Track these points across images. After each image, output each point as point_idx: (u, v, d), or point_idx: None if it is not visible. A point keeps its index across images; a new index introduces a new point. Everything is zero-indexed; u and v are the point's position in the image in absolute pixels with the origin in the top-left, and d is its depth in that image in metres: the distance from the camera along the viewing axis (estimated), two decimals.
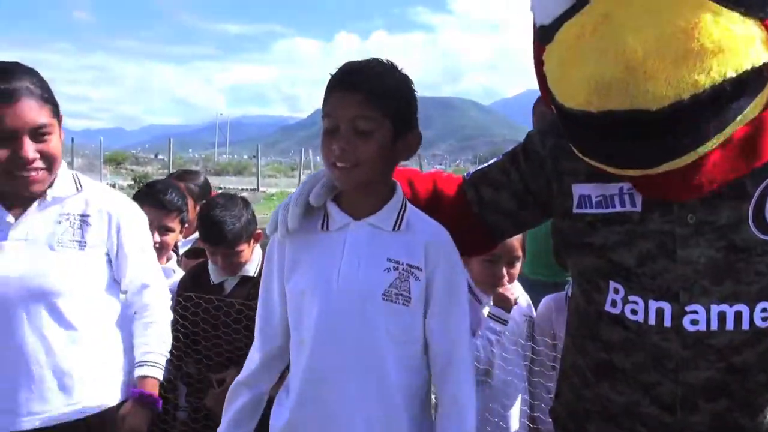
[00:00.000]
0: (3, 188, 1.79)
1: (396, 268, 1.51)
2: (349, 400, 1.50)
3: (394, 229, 1.54)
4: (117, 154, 39.34)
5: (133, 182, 21.89)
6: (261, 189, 24.09)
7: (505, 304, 2.27)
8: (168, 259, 2.75)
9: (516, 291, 2.37)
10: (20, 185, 1.76)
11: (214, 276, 2.57)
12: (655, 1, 1.13)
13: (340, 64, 1.52)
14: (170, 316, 2.05)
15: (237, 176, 33.31)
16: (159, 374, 1.93)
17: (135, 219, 2.00)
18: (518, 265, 2.34)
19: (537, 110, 3.03)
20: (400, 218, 1.55)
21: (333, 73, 1.51)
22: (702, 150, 1.17)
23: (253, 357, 1.65)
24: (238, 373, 1.67)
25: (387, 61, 1.53)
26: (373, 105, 1.44)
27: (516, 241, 2.25)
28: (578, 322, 1.50)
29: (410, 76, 1.55)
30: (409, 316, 1.52)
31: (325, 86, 1.52)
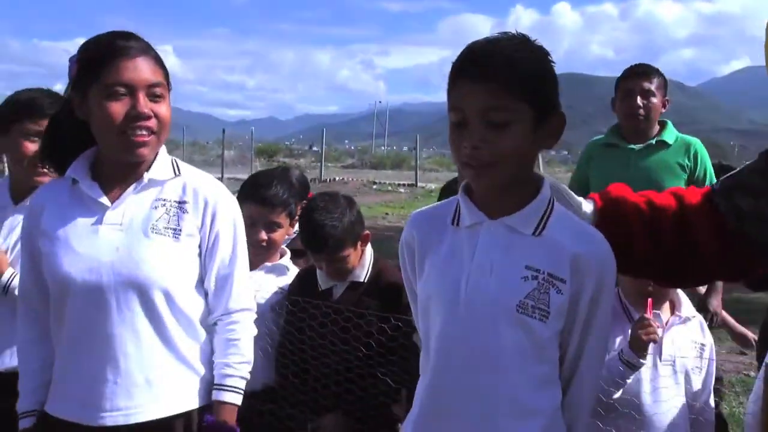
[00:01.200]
0: (105, 164, 1.92)
1: (535, 278, 1.47)
2: (472, 424, 1.48)
3: (534, 234, 1.49)
4: (269, 146, 41.76)
5: None
6: (420, 184, 24.36)
7: (639, 347, 2.11)
8: (281, 255, 2.81)
9: (684, 310, 2.22)
10: (129, 147, 1.86)
11: (322, 282, 2.60)
12: None
13: None
14: (254, 330, 2.07)
15: (394, 170, 33.99)
16: (238, 400, 1.98)
17: (231, 211, 2.03)
18: None
19: None
20: (543, 221, 1.50)
21: (456, 58, 1.47)
22: None
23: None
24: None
25: (517, 34, 1.48)
26: (507, 91, 1.41)
27: None
28: None
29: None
30: (545, 334, 1.48)
31: (449, 72, 1.48)
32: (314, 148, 41.58)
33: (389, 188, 23.42)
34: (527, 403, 1.49)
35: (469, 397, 1.48)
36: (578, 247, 1.49)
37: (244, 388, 2.00)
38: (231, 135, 37.26)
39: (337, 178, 25.52)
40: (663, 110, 3.78)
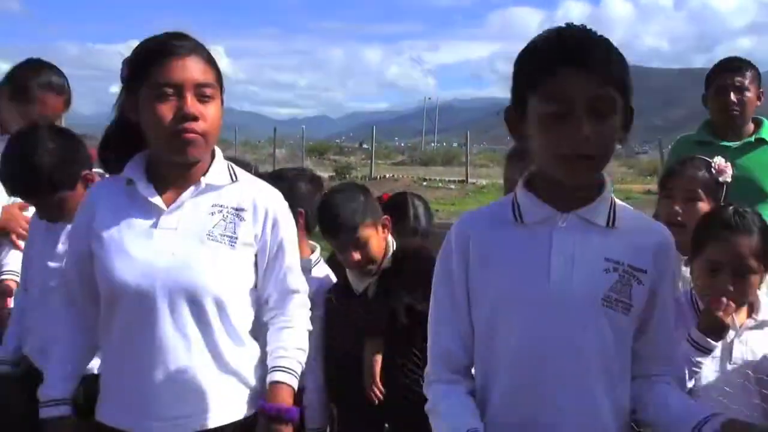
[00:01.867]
0: (159, 165, 1.90)
1: (616, 269, 1.46)
2: (561, 416, 1.47)
3: (607, 225, 1.49)
4: (320, 144, 42.07)
5: (334, 173, 23.19)
6: (470, 180, 24.19)
7: (715, 328, 2.00)
8: (312, 250, 2.77)
9: (762, 313, 2.13)
10: (178, 148, 1.82)
11: (355, 284, 2.57)
12: None
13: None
14: (310, 326, 2.06)
15: (445, 166, 33.84)
16: (294, 382, 1.94)
17: (290, 220, 2.03)
18: (754, 279, 2.09)
19: None
20: (612, 212, 1.50)
21: (548, 45, 1.43)
22: None
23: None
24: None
25: (584, 25, 1.47)
26: (611, 80, 1.39)
27: (749, 244, 2.05)
28: None
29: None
30: (626, 326, 1.49)
31: (531, 62, 1.45)
32: (364, 146, 41.68)
33: (440, 185, 23.32)
34: (608, 400, 1.49)
35: (552, 393, 1.47)
36: (653, 237, 1.52)
37: (299, 372, 1.96)
38: (282, 133, 37.59)
39: (387, 176, 25.51)
40: (759, 103, 3.65)
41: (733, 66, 3.64)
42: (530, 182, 1.55)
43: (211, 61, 1.88)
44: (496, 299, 1.52)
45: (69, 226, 2.38)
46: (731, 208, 2.18)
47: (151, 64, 1.81)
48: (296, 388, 1.95)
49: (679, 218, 2.38)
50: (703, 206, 2.41)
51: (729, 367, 2.08)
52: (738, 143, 3.61)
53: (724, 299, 2.01)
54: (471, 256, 1.55)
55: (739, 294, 2.06)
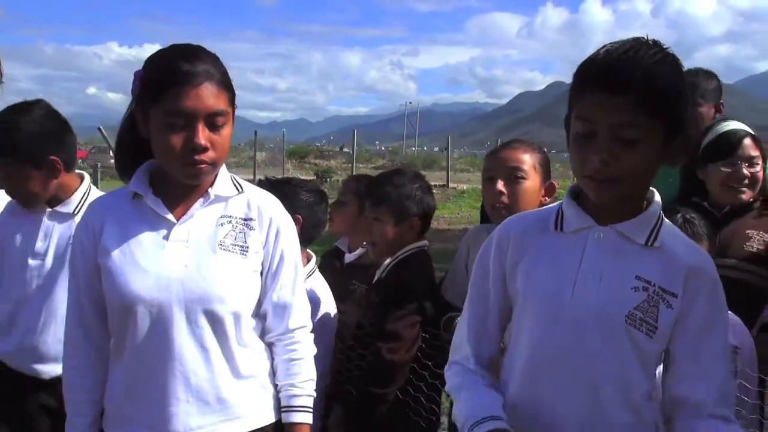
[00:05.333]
0: (166, 178, 1.87)
1: (645, 289, 1.43)
2: (571, 424, 1.45)
3: (646, 244, 1.46)
4: (300, 148, 41.92)
5: (315, 177, 23.16)
6: (451, 185, 24.28)
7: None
8: (309, 259, 2.76)
9: None
10: (187, 176, 1.82)
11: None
12: None
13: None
14: (314, 349, 2.04)
15: (425, 170, 33.84)
16: (309, 419, 1.96)
17: (292, 230, 2.02)
18: None
19: None
20: (655, 232, 1.47)
21: (588, 63, 1.41)
22: None
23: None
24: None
25: (652, 42, 1.41)
26: (643, 109, 1.35)
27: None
28: None
29: (682, 63, 1.42)
30: (650, 349, 1.45)
31: (575, 78, 1.43)
32: (345, 150, 41.64)
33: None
34: (623, 413, 1.46)
35: (559, 403, 1.46)
36: (691, 259, 1.46)
37: (312, 406, 1.98)
38: (262, 137, 37.45)
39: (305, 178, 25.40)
40: (717, 116, 3.40)
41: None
42: (576, 192, 1.54)
43: (224, 83, 1.83)
44: (522, 304, 1.53)
45: (44, 217, 2.49)
46: (680, 215, 2.15)
47: (162, 88, 1.76)
48: (311, 423, 1.97)
49: (503, 199, 2.30)
50: (529, 185, 2.32)
51: None
52: None
53: None
54: (508, 259, 1.56)
55: None
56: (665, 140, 1.39)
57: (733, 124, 2.74)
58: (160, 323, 1.81)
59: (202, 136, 1.76)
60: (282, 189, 2.30)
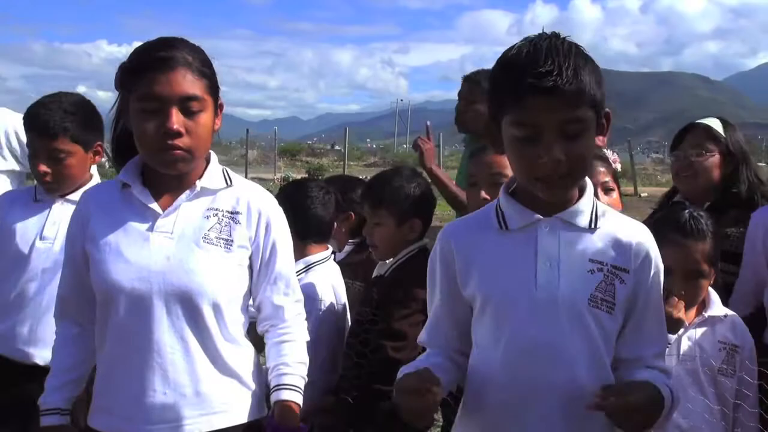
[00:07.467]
0: (156, 174, 1.87)
1: (600, 270, 1.50)
2: (550, 416, 1.49)
3: (589, 227, 1.52)
4: (291, 146, 41.90)
5: (307, 175, 23.12)
6: None
7: (668, 323, 2.01)
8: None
9: (713, 309, 2.13)
10: (163, 163, 1.82)
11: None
12: None
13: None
14: (308, 336, 2.05)
15: (417, 168, 33.81)
16: (299, 399, 1.93)
17: (284, 222, 2.02)
18: (705, 282, 2.10)
19: None
20: (594, 214, 1.53)
21: (512, 67, 1.44)
22: None
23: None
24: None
25: (552, 34, 1.46)
26: (581, 102, 1.41)
27: (702, 249, 2.05)
28: None
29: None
30: (611, 326, 1.52)
31: (500, 85, 1.46)
32: (336, 147, 41.63)
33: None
34: (595, 384, 1.50)
35: (547, 392, 1.50)
36: (634, 236, 1.54)
37: (303, 387, 1.96)
38: (253, 135, 37.37)
39: (360, 177, 25.43)
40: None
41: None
42: (511, 189, 1.58)
43: (202, 72, 1.83)
44: (483, 304, 1.55)
45: (56, 205, 2.53)
46: (686, 211, 2.13)
47: (135, 75, 1.78)
48: (301, 404, 1.95)
49: None
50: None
51: (675, 362, 2.07)
52: None
53: (675, 297, 2.02)
54: (457, 265, 1.58)
55: (690, 297, 2.08)
56: (596, 124, 1.47)
57: None
58: (140, 314, 1.81)
59: (176, 120, 1.76)
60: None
